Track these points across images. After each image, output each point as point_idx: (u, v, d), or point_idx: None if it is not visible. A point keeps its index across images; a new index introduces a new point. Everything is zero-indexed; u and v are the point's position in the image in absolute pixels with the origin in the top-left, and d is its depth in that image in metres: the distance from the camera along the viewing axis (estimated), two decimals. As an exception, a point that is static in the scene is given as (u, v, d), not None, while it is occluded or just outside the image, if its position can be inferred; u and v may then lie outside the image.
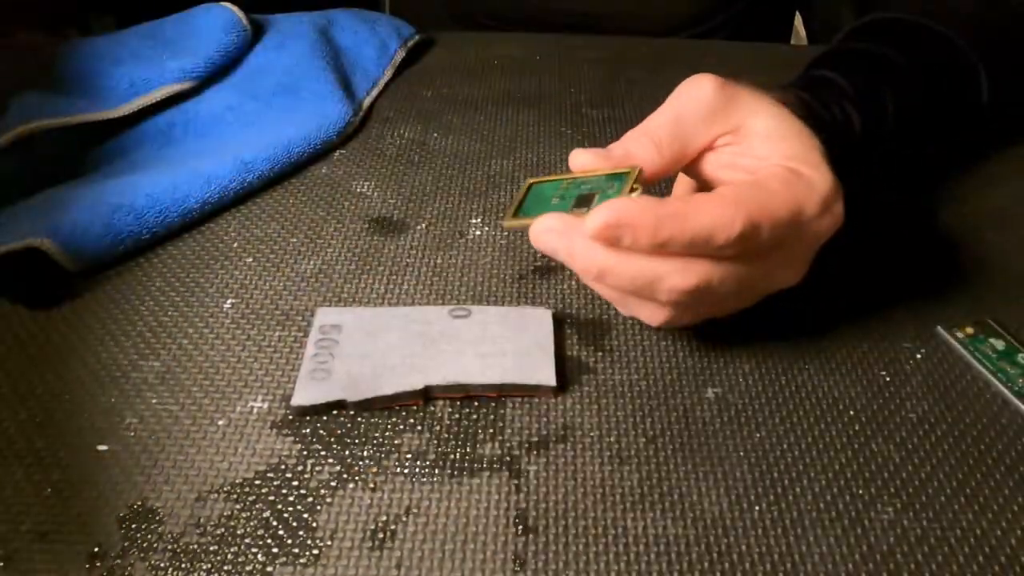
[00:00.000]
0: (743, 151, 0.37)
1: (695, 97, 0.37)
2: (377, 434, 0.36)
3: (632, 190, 0.35)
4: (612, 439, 0.37)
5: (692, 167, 0.38)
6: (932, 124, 0.49)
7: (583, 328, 0.42)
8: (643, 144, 0.36)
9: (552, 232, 0.34)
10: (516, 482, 0.35)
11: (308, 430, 0.36)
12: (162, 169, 0.47)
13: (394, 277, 0.45)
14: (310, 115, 0.54)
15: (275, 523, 0.33)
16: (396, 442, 0.36)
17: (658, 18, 0.71)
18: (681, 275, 0.33)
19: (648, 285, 0.34)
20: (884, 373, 0.40)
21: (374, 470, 0.35)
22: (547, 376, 0.38)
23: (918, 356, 0.41)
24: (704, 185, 0.39)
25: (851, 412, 0.38)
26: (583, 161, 0.36)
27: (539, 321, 0.40)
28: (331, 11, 0.64)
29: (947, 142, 0.52)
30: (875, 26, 0.51)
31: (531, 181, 0.39)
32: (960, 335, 0.42)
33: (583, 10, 0.71)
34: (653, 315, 0.36)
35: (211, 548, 0.32)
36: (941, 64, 0.49)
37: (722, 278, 0.34)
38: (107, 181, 0.46)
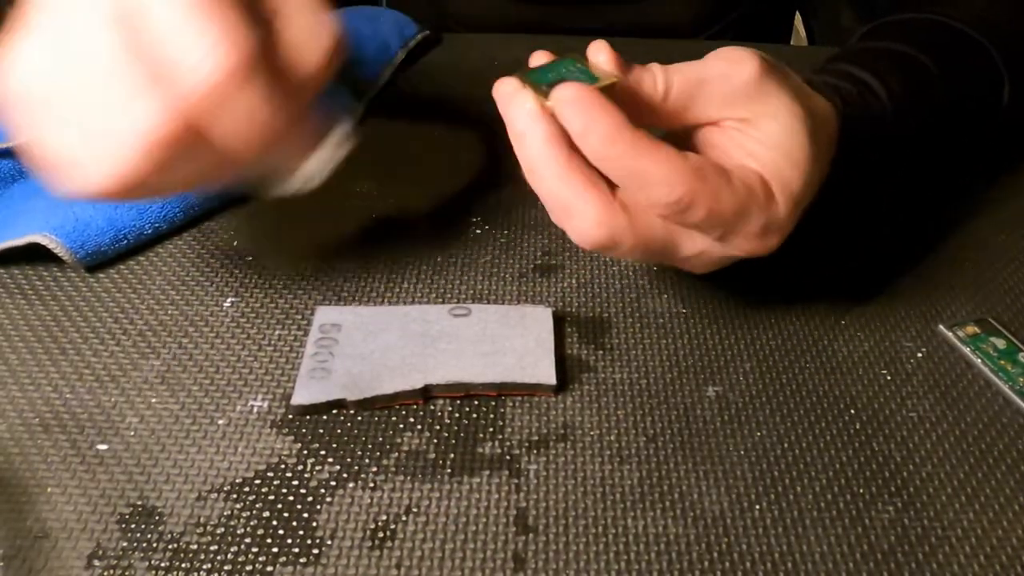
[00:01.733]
0: (741, 142, 0.35)
1: (732, 74, 0.35)
2: (377, 433, 0.36)
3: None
4: (612, 438, 0.37)
5: (686, 125, 0.37)
6: (953, 126, 0.49)
7: (583, 327, 0.42)
8: (654, 81, 0.34)
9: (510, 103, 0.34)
10: (516, 481, 0.35)
11: (308, 429, 0.36)
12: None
13: (394, 276, 0.45)
14: (310, 113, 0.54)
15: (275, 523, 0.33)
16: (396, 441, 0.36)
17: (659, 30, 0.71)
18: (593, 225, 0.33)
19: (563, 213, 0.34)
20: (885, 372, 0.40)
21: (374, 469, 0.35)
22: (547, 375, 0.38)
23: (919, 355, 0.41)
24: (682, 140, 0.37)
25: (852, 411, 0.38)
26: (600, 59, 0.34)
27: (539, 320, 0.40)
28: (336, 9, 0.64)
29: (964, 143, 0.52)
30: (902, 26, 0.50)
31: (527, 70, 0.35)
32: (961, 334, 0.42)
33: (583, 24, 0.71)
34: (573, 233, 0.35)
35: (211, 548, 0.32)
36: (965, 66, 0.49)
37: (633, 241, 0.34)
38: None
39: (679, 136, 0.37)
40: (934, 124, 0.47)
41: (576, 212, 0.33)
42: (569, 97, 0.32)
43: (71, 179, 0.30)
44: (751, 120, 0.35)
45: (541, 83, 0.33)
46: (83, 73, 0.28)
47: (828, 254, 0.47)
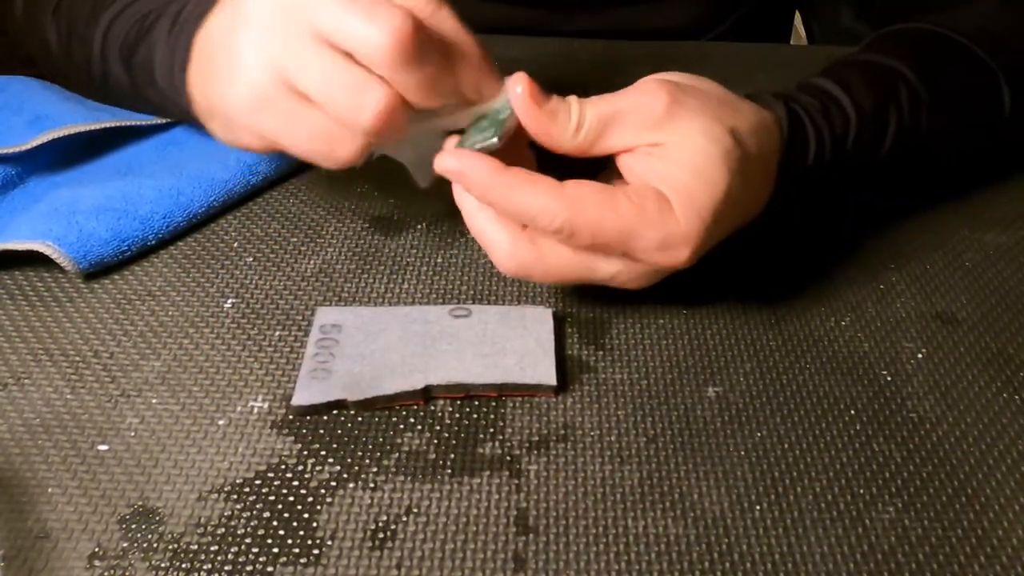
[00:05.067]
0: (650, 164, 0.37)
1: (643, 107, 0.37)
2: (377, 434, 0.36)
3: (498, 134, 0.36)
4: (612, 438, 0.37)
5: (599, 155, 0.38)
6: (944, 137, 0.48)
7: (583, 327, 0.42)
8: (568, 115, 0.36)
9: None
10: (516, 482, 0.35)
11: (308, 430, 0.36)
12: (166, 173, 0.47)
13: (394, 276, 0.45)
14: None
15: (276, 523, 0.33)
16: (396, 442, 0.36)
17: (658, 33, 0.71)
18: (505, 258, 0.37)
19: (483, 247, 0.38)
20: (885, 372, 0.40)
21: (374, 470, 0.35)
22: (547, 375, 0.38)
23: (919, 356, 0.41)
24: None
25: (852, 412, 0.38)
26: (519, 89, 0.36)
27: (539, 320, 0.40)
28: None
29: (966, 153, 0.51)
30: (894, 37, 0.50)
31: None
32: None
33: (581, 27, 0.71)
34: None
35: (212, 548, 0.32)
36: (960, 79, 0.48)
37: (544, 270, 0.37)
38: (111, 183, 0.46)
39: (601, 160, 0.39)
40: (915, 136, 0.46)
41: (490, 247, 0.37)
42: (447, 168, 0.36)
43: (329, 161, 0.37)
44: (664, 144, 0.37)
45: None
46: (311, 81, 0.34)
47: (828, 257, 0.47)
